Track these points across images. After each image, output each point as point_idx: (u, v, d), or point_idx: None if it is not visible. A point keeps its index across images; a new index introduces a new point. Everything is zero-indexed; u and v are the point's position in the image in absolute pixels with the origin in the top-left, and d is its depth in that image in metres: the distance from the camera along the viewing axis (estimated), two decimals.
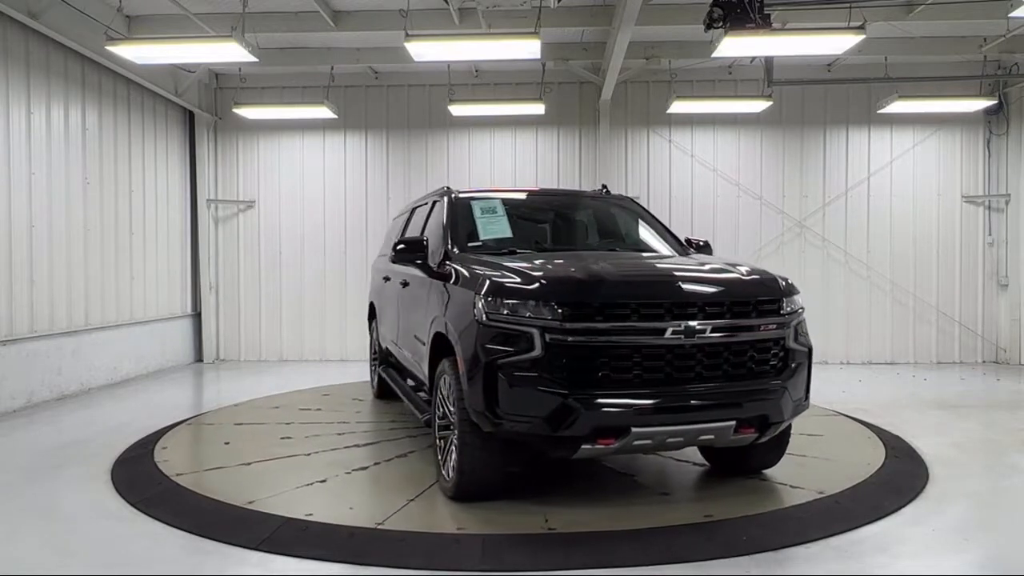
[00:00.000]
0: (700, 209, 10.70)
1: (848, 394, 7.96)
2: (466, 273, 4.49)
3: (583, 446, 3.86)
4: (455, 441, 4.26)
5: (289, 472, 5.01)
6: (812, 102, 10.67)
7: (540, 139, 10.85)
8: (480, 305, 4.06)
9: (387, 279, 6.81)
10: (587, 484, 4.81)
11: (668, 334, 3.89)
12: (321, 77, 10.44)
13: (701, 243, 5.75)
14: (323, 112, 9.99)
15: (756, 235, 10.67)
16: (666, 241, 5.65)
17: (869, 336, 10.64)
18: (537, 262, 4.47)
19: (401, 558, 3.62)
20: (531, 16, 7.66)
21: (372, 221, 10.84)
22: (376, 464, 5.23)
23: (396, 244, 5.30)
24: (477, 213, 5.37)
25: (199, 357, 10.98)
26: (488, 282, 4.13)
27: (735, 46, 6.97)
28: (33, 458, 5.49)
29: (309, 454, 5.47)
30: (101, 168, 8.76)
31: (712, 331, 3.95)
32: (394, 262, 5.65)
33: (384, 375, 7.07)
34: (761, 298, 4.15)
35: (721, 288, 4.14)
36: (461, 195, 5.67)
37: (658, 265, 4.66)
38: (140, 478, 4.95)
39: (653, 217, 6.06)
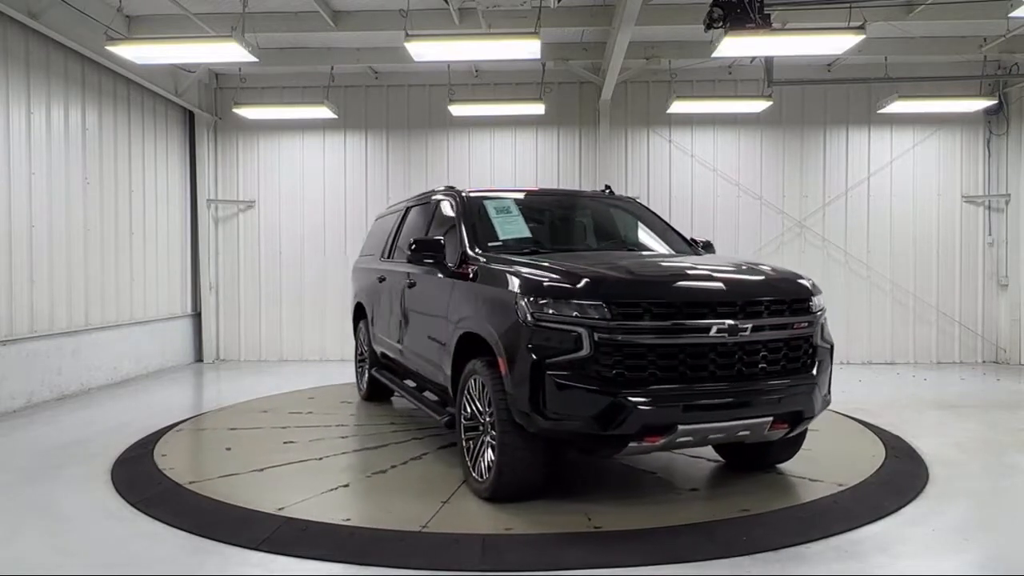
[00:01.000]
0: (700, 209, 10.70)
1: (848, 394, 7.96)
2: (501, 273, 4.48)
3: (631, 444, 3.91)
4: (492, 442, 4.26)
5: (307, 477, 4.94)
6: (812, 102, 10.67)
7: (540, 139, 10.85)
8: (525, 305, 4.06)
9: (382, 279, 6.73)
10: (617, 482, 4.85)
11: (713, 332, 3.96)
12: (321, 77, 10.44)
13: (703, 243, 5.83)
14: (323, 112, 9.99)
15: (756, 235, 10.67)
16: (676, 242, 5.74)
17: (869, 336, 10.64)
18: (572, 263, 4.46)
19: (402, 558, 3.61)
20: (531, 16, 7.66)
21: (372, 221, 10.82)
22: (393, 467, 5.16)
23: (411, 244, 5.22)
24: (492, 213, 5.35)
25: (199, 357, 10.98)
26: (533, 282, 4.14)
27: (735, 46, 6.98)
28: (33, 458, 5.49)
29: (321, 458, 5.39)
30: (101, 168, 8.76)
31: (752, 329, 4.04)
32: (410, 262, 5.55)
33: (379, 377, 6.98)
34: (794, 297, 4.28)
35: (758, 287, 4.27)
36: (472, 194, 5.63)
37: (695, 265, 4.68)
38: (140, 478, 4.94)
39: (660, 218, 6.13)
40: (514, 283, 4.25)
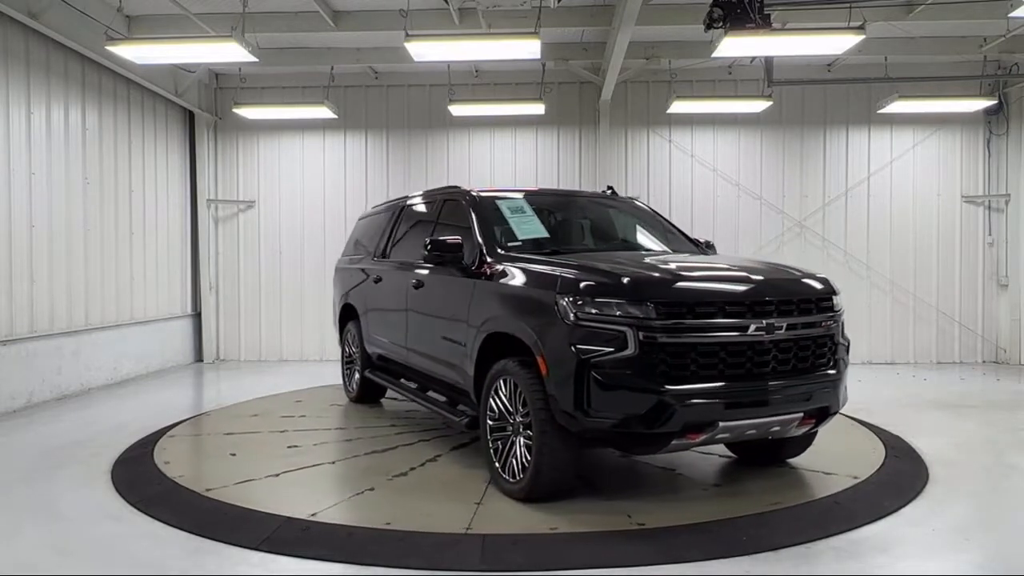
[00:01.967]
0: (700, 209, 10.70)
1: (848, 394, 7.95)
2: (534, 273, 4.49)
3: (674, 441, 3.96)
4: (527, 442, 4.27)
5: (328, 481, 4.90)
6: (812, 102, 10.67)
7: (540, 139, 10.85)
8: (566, 305, 4.07)
9: (379, 280, 6.69)
10: (645, 479, 4.89)
11: (751, 331, 4.04)
12: (321, 77, 10.44)
13: (704, 243, 5.94)
14: (323, 112, 9.99)
15: (756, 235, 10.67)
16: (683, 243, 5.83)
17: (869, 336, 10.63)
18: (604, 263, 4.47)
19: (402, 558, 3.61)
20: (531, 16, 7.67)
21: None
22: (412, 470, 5.09)
23: (427, 244, 5.17)
24: (507, 213, 5.33)
25: (199, 357, 10.98)
26: (573, 282, 4.15)
27: (735, 46, 6.98)
28: (33, 458, 5.49)
29: (334, 462, 5.35)
30: (101, 168, 8.76)
31: (787, 328, 4.16)
32: (427, 262, 5.49)
33: (374, 378, 6.92)
34: (820, 296, 4.43)
35: (790, 287, 4.40)
36: (483, 194, 5.61)
37: (730, 266, 4.73)
38: (140, 478, 4.94)
39: (666, 220, 6.22)
40: (551, 283, 4.26)
